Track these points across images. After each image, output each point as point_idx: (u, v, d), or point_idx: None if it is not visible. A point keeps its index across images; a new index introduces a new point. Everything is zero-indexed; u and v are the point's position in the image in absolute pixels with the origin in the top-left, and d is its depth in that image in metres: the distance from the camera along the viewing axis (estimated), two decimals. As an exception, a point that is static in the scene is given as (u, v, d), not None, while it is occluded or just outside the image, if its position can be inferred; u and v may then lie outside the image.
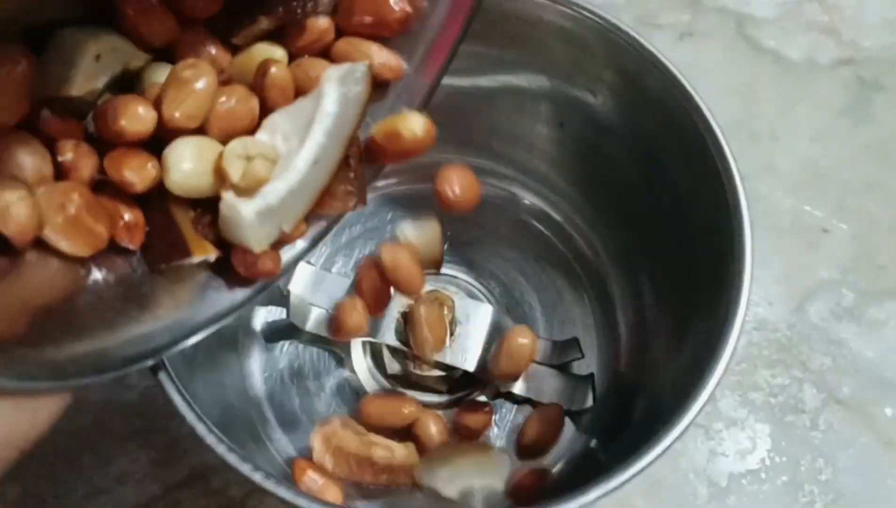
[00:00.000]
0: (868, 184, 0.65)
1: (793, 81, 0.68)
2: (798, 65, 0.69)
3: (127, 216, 0.30)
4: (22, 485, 0.52)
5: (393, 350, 0.51)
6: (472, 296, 0.54)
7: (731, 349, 0.38)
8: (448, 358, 0.48)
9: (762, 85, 0.68)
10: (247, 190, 0.30)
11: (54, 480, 0.52)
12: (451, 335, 0.49)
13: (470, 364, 0.48)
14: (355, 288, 0.43)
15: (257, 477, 0.33)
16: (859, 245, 0.63)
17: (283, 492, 0.33)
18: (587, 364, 0.53)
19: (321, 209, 0.33)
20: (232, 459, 0.33)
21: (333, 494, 0.43)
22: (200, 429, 0.34)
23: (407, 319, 0.47)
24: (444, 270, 0.55)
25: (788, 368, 0.59)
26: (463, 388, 0.52)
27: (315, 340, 0.52)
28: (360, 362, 0.53)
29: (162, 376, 0.35)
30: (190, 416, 0.34)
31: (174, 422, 0.36)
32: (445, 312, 0.47)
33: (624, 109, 0.48)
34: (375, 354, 0.53)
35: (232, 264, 0.32)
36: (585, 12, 0.45)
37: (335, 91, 0.31)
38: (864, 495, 0.55)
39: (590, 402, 0.51)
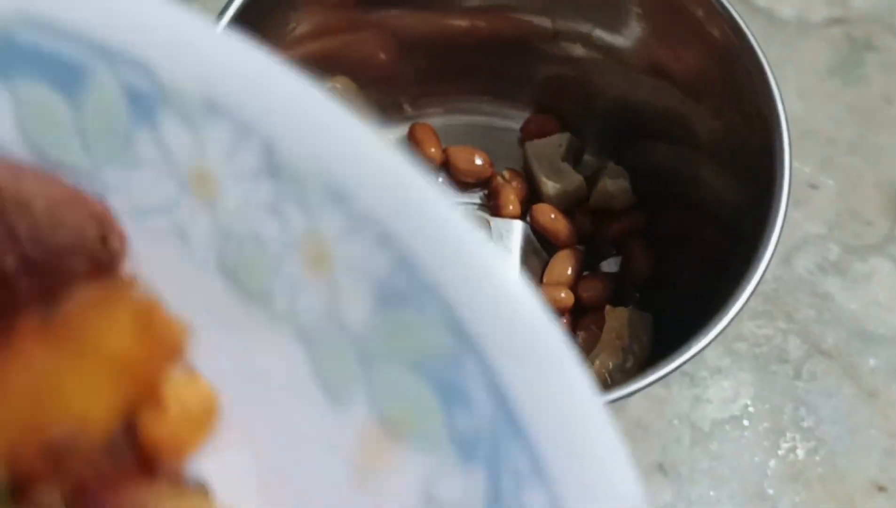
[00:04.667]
0: (855, 141, 0.65)
1: (783, 40, 0.69)
2: (789, 23, 0.70)
3: None
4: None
5: None
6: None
7: (759, 273, 0.39)
8: None
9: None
10: None
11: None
12: None
13: None
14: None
15: None
16: (845, 201, 0.63)
17: None
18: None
19: None
20: None
21: None
22: None
23: None
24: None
25: (773, 319, 0.59)
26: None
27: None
28: None
29: None
30: None
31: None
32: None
33: (663, 41, 0.48)
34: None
35: None
36: None
37: None
38: (845, 443, 0.56)
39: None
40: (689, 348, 0.37)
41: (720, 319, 0.38)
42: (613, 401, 0.36)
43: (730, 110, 0.47)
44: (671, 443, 0.55)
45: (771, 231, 0.40)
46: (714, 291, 0.44)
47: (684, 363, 0.37)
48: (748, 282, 0.39)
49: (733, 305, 0.38)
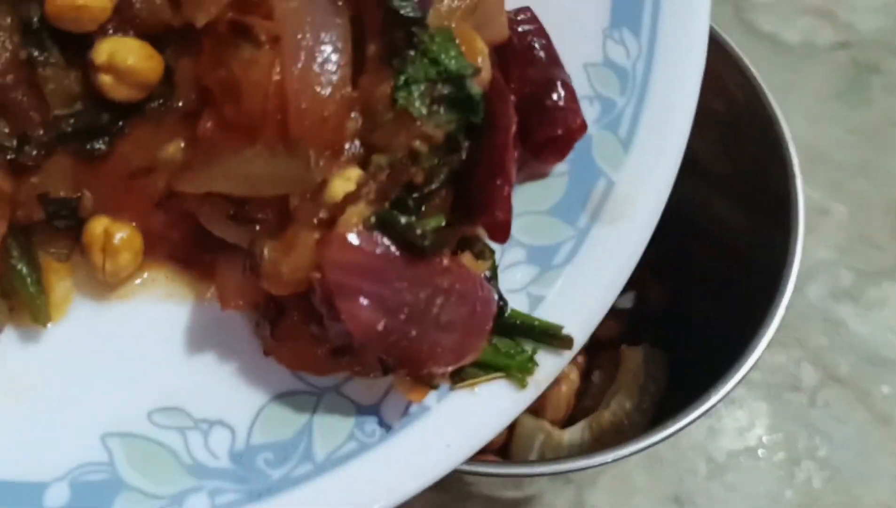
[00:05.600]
0: (864, 165, 0.66)
1: (789, 65, 0.69)
2: (795, 48, 0.70)
3: None
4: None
5: None
6: None
7: (783, 307, 0.41)
8: None
9: (759, 68, 0.69)
10: None
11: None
12: None
13: None
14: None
15: None
16: (856, 226, 0.63)
17: None
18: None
19: None
20: None
21: None
22: None
23: None
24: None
25: (786, 347, 0.59)
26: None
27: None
28: None
29: None
30: None
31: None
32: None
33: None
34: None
35: None
36: None
37: None
38: (859, 471, 0.56)
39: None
40: (717, 390, 0.37)
41: (744, 360, 0.38)
42: (643, 449, 0.36)
43: (739, 145, 0.47)
44: (687, 475, 0.55)
45: (789, 271, 0.40)
46: (729, 323, 0.44)
47: (713, 406, 0.37)
48: (769, 324, 0.39)
49: (756, 345, 0.38)
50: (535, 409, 0.47)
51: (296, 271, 0.28)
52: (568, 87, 0.32)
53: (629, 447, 0.35)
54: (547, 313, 0.31)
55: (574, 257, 0.31)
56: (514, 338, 0.31)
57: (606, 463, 0.35)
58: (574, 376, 0.48)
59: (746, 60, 0.46)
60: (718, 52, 0.46)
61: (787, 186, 0.43)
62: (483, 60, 0.30)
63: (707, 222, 0.51)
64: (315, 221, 0.28)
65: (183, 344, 0.32)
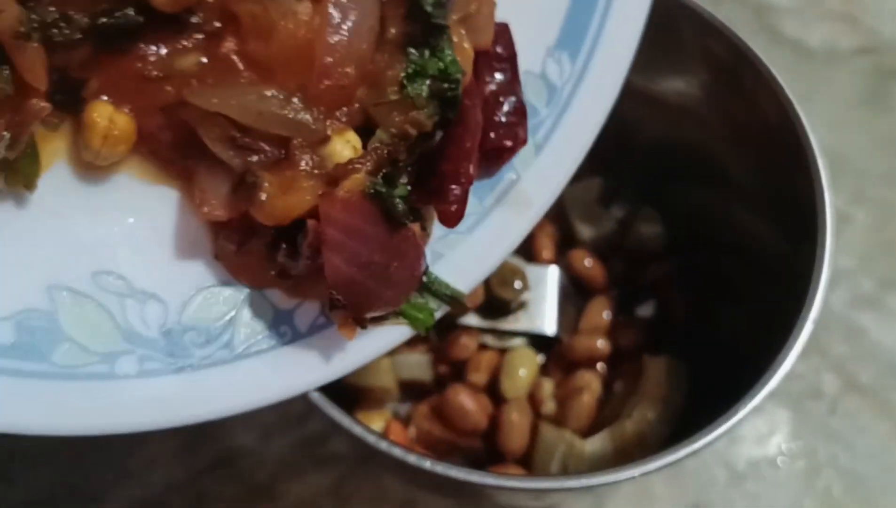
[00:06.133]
0: (886, 173, 0.65)
1: (812, 70, 0.69)
2: (818, 53, 0.69)
3: None
4: (52, 469, 0.53)
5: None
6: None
7: (815, 311, 0.41)
8: (526, 325, 0.50)
9: (781, 73, 0.68)
10: None
11: (84, 464, 0.53)
12: (525, 303, 0.50)
13: (549, 328, 0.50)
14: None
15: (371, 439, 0.38)
16: (878, 234, 0.63)
17: (396, 451, 0.37)
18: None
19: None
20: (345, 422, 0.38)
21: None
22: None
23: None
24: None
25: (807, 355, 0.58)
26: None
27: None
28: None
29: None
30: None
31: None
32: (517, 285, 0.49)
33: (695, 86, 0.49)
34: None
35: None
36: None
37: None
38: (881, 480, 0.56)
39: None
40: (745, 403, 0.37)
41: (773, 373, 0.38)
42: (670, 464, 0.36)
43: (763, 153, 0.47)
44: (706, 483, 0.55)
45: (816, 284, 0.40)
46: (752, 334, 0.44)
47: (741, 419, 0.37)
48: (796, 337, 0.39)
49: (784, 359, 0.38)
50: (557, 419, 0.47)
51: (289, 211, 0.32)
52: (521, 105, 0.36)
53: (655, 461, 0.35)
54: (442, 268, 0.36)
55: (475, 228, 0.37)
56: (423, 295, 0.36)
57: (634, 478, 0.35)
58: (596, 385, 0.47)
59: (772, 69, 0.46)
60: (742, 61, 0.46)
61: (814, 197, 0.42)
62: (467, 65, 0.34)
63: (729, 231, 0.51)
64: (317, 172, 0.33)
65: (139, 223, 0.35)
